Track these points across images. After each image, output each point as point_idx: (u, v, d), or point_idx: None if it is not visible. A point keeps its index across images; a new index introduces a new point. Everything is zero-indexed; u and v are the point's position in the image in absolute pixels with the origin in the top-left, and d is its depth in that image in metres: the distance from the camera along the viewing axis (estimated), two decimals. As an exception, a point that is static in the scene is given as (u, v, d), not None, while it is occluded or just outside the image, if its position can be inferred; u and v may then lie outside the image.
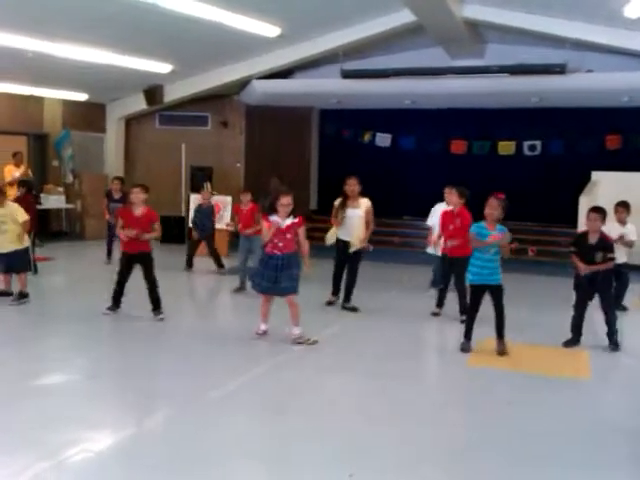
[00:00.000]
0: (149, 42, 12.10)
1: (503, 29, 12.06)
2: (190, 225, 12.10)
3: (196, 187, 15.17)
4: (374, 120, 16.21)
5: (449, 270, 8.20)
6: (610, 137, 14.68)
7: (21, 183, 10.86)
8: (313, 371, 6.07)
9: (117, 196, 11.85)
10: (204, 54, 13.32)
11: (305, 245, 6.82)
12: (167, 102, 15.76)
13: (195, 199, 13.86)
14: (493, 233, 6.44)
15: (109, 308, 7.83)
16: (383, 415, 4.98)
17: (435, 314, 8.31)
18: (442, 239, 8.45)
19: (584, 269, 6.77)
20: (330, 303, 8.71)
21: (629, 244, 8.36)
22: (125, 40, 11.81)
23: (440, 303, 8.35)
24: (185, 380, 5.64)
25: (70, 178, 15.76)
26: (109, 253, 11.85)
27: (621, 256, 8.17)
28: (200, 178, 15.69)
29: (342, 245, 8.46)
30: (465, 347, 6.65)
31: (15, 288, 8.35)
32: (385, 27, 12.24)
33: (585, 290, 6.91)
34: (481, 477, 4.04)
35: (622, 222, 8.61)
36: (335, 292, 8.73)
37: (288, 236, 6.68)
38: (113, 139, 16.88)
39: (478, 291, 6.59)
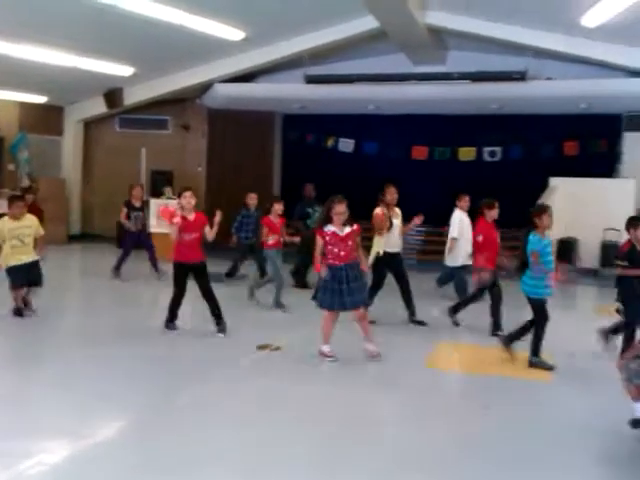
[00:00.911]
0: (110, 45, 11.91)
1: (465, 36, 12.21)
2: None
3: (156, 191, 15.02)
4: (337, 125, 16.23)
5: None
6: (568, 143, 14.98)
7: (28, 190, 10.45)
8: (279, 378, 6.01)
9: (138, 204, 11.13)
10: (166, 57, 13.17)
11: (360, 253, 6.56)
12: (127, 105, 15.54)
13: (155, 203, 13.70)
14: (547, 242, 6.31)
15: (168, 326, 7.43)
16: (354, 422, 4.95)
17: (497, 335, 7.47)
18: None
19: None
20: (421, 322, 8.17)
21: None
22: (86, 42, 11.60)
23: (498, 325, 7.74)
24: (149, 388, 5.52)
25: (26, 182, 15.37)
26: (119, 266, 10.87)
27: None
28: (160, 182, 15.53)
29: (389, 258, 7.96)
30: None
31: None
32: (349, 33, 12.28)
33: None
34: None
35: None
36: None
37: (350, 243, 6.39)
38: (71, 142, 16.56)
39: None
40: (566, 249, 12.88)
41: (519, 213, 14.89)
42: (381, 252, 7.86)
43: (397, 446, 4.53)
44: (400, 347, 7.10)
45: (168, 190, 14.60)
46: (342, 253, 6.33)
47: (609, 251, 12.86)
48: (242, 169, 16.13)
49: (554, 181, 13.56)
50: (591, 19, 10.42)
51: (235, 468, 4.10)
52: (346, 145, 16.19)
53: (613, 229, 12.68)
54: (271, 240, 8.72)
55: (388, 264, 7.96)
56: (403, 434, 4.76)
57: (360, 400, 5.46)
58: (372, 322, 7.16)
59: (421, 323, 8.12)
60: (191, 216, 7.24)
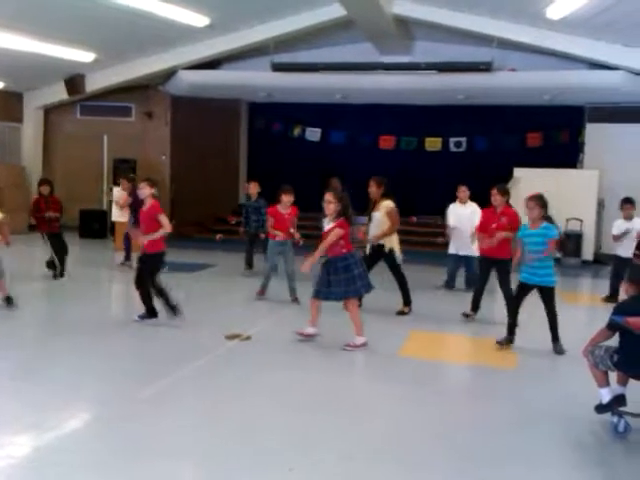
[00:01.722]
0: (72, 30, 11.61)
1: (431, 26, 12.23)
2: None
3: (118, 180, 14.74)
4: (304, 114, 16.17)
5: (488, 272, 7.79)
6: (531, 134, 15.17)
7: (46, 181, 10.22)
8: (250, 367, 5.95)
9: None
10: (129, 43, 12.92)
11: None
12: (89, 92, 15.20)
13: (117, 192, 13.44)
14: (534, 232, 6.41)
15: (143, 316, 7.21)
16: (319, 408, 4.93)
17: (467, 316, 7.91)
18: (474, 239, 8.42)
19: None
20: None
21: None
22: (46, 26, 11.29)
23: (475, 306, 7.92)
24: (115, 379, 5.42)
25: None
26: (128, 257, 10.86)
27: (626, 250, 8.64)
28: (123, 171, 15.25)
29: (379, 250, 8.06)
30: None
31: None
32: (316, 20, 12.22)
33: None
34: (423, 468, 4.05)
35: (629, 218, 9.05)
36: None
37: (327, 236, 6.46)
38: (31, 129, 16.15)
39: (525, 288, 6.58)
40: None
41: (483, 203, 15.15)
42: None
43: (371, 434, 4.51)
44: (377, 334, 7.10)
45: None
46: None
47: (572, 241, 13.10)
48: (208, 158, 15.94)
49: (518, 172, 13.72)
50: (555, 11, 10.53)
51: (205, 458, 4.04)
52: (313, 134, 16.13)
53: (576, 219, 12.90)
54: (278, 235, 8.44)
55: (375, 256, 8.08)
56: (376, 421, 4.75)
57: (333, 386, 5.44)
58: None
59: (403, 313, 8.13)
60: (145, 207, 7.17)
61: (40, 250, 10.39)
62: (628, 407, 4.61)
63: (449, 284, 9.95)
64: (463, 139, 15.59)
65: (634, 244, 8.63)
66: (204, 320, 7.41)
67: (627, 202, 9.16)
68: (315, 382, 5.57)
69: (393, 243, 8.01)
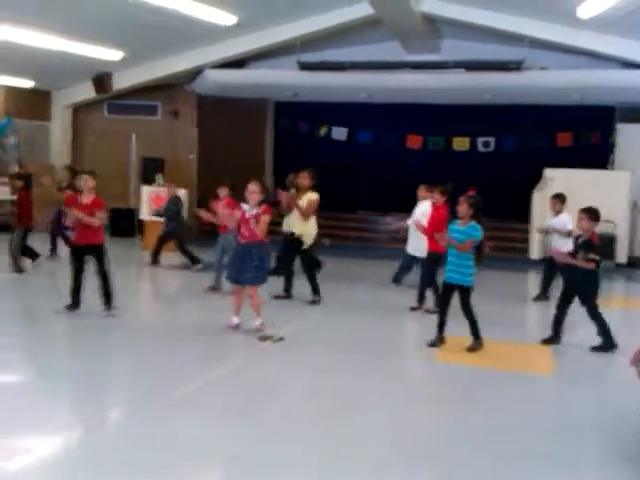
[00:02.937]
0: (100, 28, 11.67)
1: (459, 25, 12.08)
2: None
3: (147, 179, 14.81)
4: (330, 114, 16.09)
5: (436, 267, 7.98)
6: (561, 134, 14.93)
7: (18, 176, 10.45)
8: (278, 369, 5.90)
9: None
10: (156, 41, 12.94)
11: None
12: (116, 90, 15.28)
13: (146, 191, 13.52)
14: (461, 229, 6.39)
15: (68, 307, 7.33)
16: (352, 414, 4.85)
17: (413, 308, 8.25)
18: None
19: (556, 256, 6.82)
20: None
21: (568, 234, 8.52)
22: (75, 25, 11.35)
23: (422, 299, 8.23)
24: (143, 381, 5.40)
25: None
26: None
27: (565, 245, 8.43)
28: (151, 169, 15.31)
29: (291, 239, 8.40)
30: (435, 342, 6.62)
31: None
32: (343, 19, 12.15)
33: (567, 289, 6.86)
34: (460, 476, 3.95)
35: (557, 213, 9.07)
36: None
37: (252, 225, 6.69)
38: (59, 128, 16.28)
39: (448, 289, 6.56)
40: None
41: (512, 204, 14.99)
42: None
43: (404, 441, 4.42)
44: (396, 338, 7.02)
45: (159, 177, 14.44)
46: (246, 233, 6.66)
47: (603, 243, 12.84)
48: (234, 157, 15.94)
49: (549, 172, 13.49)
50: (586, 10, 10.32)
51: (233, 463, 3.99)
52: (339, 133, 16.05)
53: (607, 221, 12.62)
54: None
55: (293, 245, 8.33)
56: (409, 428, 4.65)
57: (365, 390, 5.34)
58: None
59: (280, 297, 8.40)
60: (86, 199, 7.26)
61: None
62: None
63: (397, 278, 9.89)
64: (491, 139, 15.40)
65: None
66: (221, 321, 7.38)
67: (555, 197, 9.16)
68: (348, 386, 5.46)
69: (305, 231, 8.26)
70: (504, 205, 15.18)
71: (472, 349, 6.47)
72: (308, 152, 16.10)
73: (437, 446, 4.35)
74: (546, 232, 9.30)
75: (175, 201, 11.00)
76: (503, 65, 12.48)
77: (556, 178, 13.02)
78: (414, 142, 15.70)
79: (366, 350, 6.55)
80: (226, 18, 11.63)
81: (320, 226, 8.65)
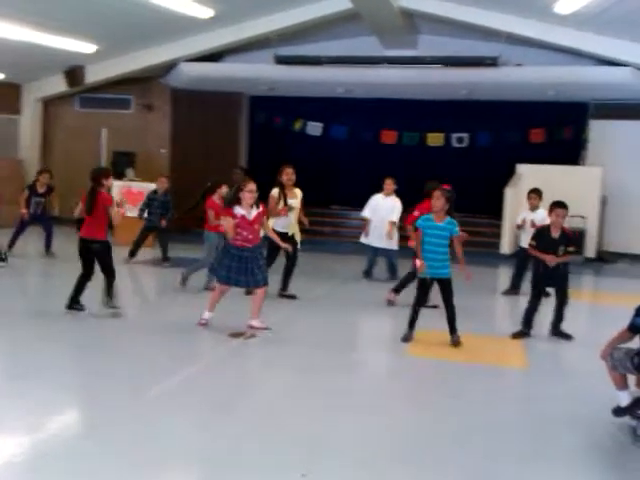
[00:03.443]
0: (72, 20, 11.44)
1: (437, 20, 12.10)
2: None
3: (118, 173, 14.58)
4: (306, 108, 16.00)
5: None
6: (534, 130, 15.05)
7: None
8: (256, 366, 5.86)
9: (42, 190, 11.04)
10: (130, 34, 12.74)
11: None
12: (89, 84, 15.02)
13: (117, 186, 13.30)
14: (440, 226, 6.43)
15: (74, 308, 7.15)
16: (332, 410, 4.83)
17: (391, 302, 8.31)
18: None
19: (552, 260, 6.78)
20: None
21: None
22: (46, 16, 11.09)
23: (400, 290, 8.30)
24: (119, 378, 5.31)
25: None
26: (12, 245, 10.84)
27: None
28: (122, 164, 15.09)
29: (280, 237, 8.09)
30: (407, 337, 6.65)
31: None
32: (320, 13, 12.08)
33: (545, 281, 6.97)
34: (440, 472, 3.96)
35: (534, 208, 9.23)
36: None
37: (256, 227, 6.58)
38: (29, 122, 15.96)
39: (426, 283, 6.58)
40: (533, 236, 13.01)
41: (484, 199, 15.11)
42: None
43: (385, 436, 4.42)
44: (369, 332, 7.01)
45: (130, 172, 14.27)
46: (250, 236, 6.54)
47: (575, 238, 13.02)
48: (208, 152, 15.79)
49: (521, 168, 13.64)
50: (564, 6, 10.41)
51: (212, 462, 3.94)
52: (314, 129, 15.99)
53: (579, 216, 12.81)
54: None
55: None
56: (389, 423, 4.65)
57: (344, 387, 5.33)
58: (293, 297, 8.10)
59: (291, 297, 8.32)
60: None
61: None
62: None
63: (367, 274, 10.03)
64: (465, 135, 15.46)
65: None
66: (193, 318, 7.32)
67: (533, 192, 9.30)
68: (325, 382, 5.45)
69: (296, 229, 8.26)
70: (477, 200, 15.29)
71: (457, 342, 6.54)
72: (283, 147, 16.04)
73: (413, 441, 4.36)
74: (520, 227, 9.35)
75: (167, 194, 10.85)
76: (479, 61, 12.56)
77: (527, 174, 13.18)
78: (389, 137, 15.70)
79: (340, 346, 6.56)
80: (202, 11, 11.50)
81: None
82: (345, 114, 15.88)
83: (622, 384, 4.60)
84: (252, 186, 6.50)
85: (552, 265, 6.79)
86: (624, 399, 4.57)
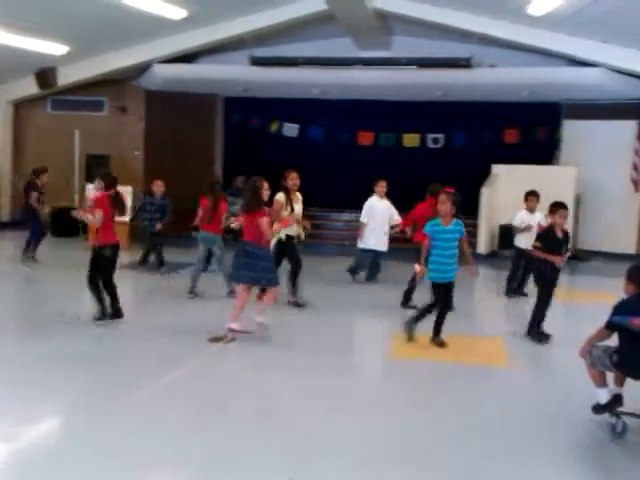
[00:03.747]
0: (44, 21, 11.27)
1: (411, 21, 12.13)
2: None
3: (91, 176, 14.39)
4: (282, 109, 15.96)
5: None
6: (508, 131, 15.18)
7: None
8: (237, 371, 5.80)
9: (44, 190, 11.15)
10: (103, 35, 12.57)
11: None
12: (61, 86, 14.80)
13: (91, 189, 13.13)
14: (449, 229, 6.39)
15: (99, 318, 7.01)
16: (327, 411, 4.80)
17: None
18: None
19: (560, 261, 6.80)
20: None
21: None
22: (17, 18, 10.92)
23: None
24: (96, 386, 5.22)
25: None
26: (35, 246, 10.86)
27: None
28: (95, 167, 14.90)
29: (287, 241, 8.04)
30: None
31: None
32: (295, 14, 12.04)
33: (554, 282, 6.95)
34: (429, 472, 3.95)
35: (532, 210, 9.22)
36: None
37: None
38: (0, 125, 15.67)
39: (441, 288, 6.51)
40: (507, 235, 13.09)
41: (462, 199, 15.14)
42: (283, 237, 7.94)
43: (373, 437, 4.39)
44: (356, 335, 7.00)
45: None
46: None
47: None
48: (183, 154, 15.66)
49: (496, 168, 13.74)
50: (537, 8, 10.51)
51: (195, 470, 3.89)
52: (291, 130, 15.96)
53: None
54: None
55: (284, 245, 8.04)
56: (376, 425, 4.63)
57: (327, 389, 5.29)
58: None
59: (299, 305, 8.19)
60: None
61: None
62: (625, 407, 4.58)
63: (354, 272, 9.95)
64: (441, 135, 15.56)
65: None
66: (184, 322, 7.23)
67: (531, 194, 9.32)
68: (308, 384, 5.42)
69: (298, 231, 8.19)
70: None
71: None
72: (259, 148, 15.98)
73: (402, 441, 4.36)
74: (525, 230, 9.13)
75: (165, 198, 10.68)
76: (454, 62, 12.62)
77: (503, 174, 13.27)
78: (365, 139, 15.74)
79: (330, 348, 6.52)
80: (175, 12, 11.40)
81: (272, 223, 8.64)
82: (321, 115, 15.88)
83: (601, 382, 4.63)
84: (267, 185, 6.64)
85: (560, 266, 6.82)
86: (603, 396, 4.61)
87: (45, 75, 14.45)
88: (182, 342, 6.48)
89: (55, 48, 12.83)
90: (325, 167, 16.16)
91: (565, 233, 6.96)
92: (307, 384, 5.43)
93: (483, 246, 13.10)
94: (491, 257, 13.01)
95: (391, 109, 15.32)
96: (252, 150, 16.04)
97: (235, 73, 13.94)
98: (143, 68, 14.36)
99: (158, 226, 10.40)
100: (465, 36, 12.23)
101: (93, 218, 6.96)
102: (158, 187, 10.68)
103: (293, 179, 8.02)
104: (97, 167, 14.58)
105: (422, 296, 8.36)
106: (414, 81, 13.43)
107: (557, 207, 6.88)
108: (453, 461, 4.10)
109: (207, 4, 11.35)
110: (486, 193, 13.29)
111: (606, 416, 4.62)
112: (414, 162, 15.46)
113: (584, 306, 8.79)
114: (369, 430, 4.52)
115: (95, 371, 5.57)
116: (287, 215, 7.82)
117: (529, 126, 15.03)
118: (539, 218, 8.97)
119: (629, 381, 4.63)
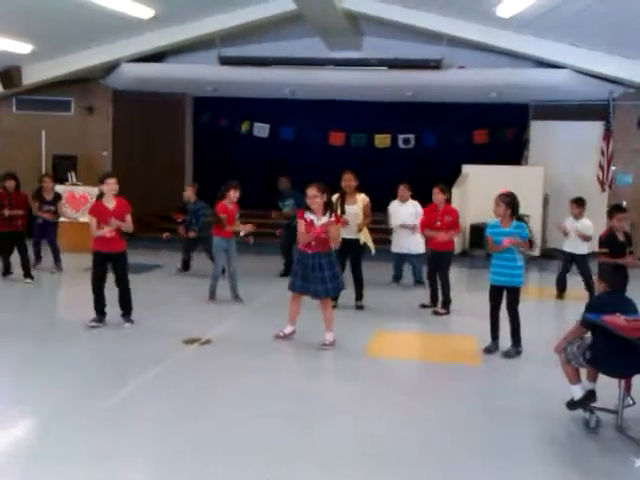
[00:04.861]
0: (6, 19, 11.00)
1: (381, 22, 12.16)
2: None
3: (59, 177, 14.16)
4: (252, 109, 15.87)
5: (435, 264, 8.27)
6: (477, 132, 15.32)
7: (11, 176, 9.93)
8: (213, 373, 5.73)
9: (49, 197, 10.79)
10: (69, 34, 12.33)
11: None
12: (26, 85, 14.50)
13: (61, 190, 12.93)
14: (507, 231, 6.22)
15: (95, 320, 6.95)
16: (290, 414, 4.77)
17: (424, 306, 8.39)
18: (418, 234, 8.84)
19: (633, 262, 6.80)
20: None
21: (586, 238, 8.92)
22: (-21, 14, 10.67)
23: (434, 297, 8.35)
24: (68, 388, 5.11)
25: None
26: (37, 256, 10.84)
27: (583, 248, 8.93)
28: (63, 167, 14.68)
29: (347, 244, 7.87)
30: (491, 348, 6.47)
31: None
32: (265, 14, 11.97)
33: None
34: (404, 471, 3.94)
35: (578, 217, 9.23)
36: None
37: (322, 236, 6.37)
38: (-38, 125, 15.33)
39: (497, 291, 6.39)
40: (478, 234, 13.20)
41: (432, 199, 15.20)
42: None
43: (347, 439, 4.38)
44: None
45: (72, 175, 13.90)
46: (312, 243, 6.36)
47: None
48: (151, 153, 15.50)
49: (466, 168, 13.84)
50: (506, 10, 10.60)
51: (170, 473, 3.82)
52: (261, 130, 15.87)
53: (524, 215, 13.03)
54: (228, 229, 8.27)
55: (346, 250, 7.92)
56: (351, 425, 4.61)
57: (301, 390, 5.29)
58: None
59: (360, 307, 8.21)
60: (111, 204, 6.98)
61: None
62: (598, 403, 4.64)
63: (396, 278, 10.20)
64: (412, 136, 15.63)
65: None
66: (159, 324, 7.14)
67: (576, 202, 9.36)
68: (282, 386, 5.41)
69: (367, 237, 8.22)
70: (424, 200, 15.38)
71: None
72: (229, 148, 15.88)
73: (377, 441, 4.36)
74: (565, 233, 9.36)
75: (196, 202, 10.54)
76: (423, 63, 12.67)
77: (473, 174, 13.37)
78: (336, 139, 15.74)
79: (299, 349, 6.48)
80: (143, 11, 11.24)
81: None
82: (292, 115, 15.83)
83: (575, 378, 4.68)
84: (310, 191, 6.34)
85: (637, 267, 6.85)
86: (577, 392, 4.66)
87: (9, 74, 14.14)
88: (154, 345, 6.38)
89: (19, 47, 12.55)
90: (296, 167, 16.10)
91: (626, 234, 7.01)
92: (281, 385, 5.40)
93: (457, 246, 13.15)
94: (462, 256, 13.09)
95: (362, 109, 15.34)
96: (222, 150, 15.94)
97: (204, 73, 13.83)
98: (111, 67, 14.17)
99: (191, 233, 10.30)
100: (435, 38, 12.29)
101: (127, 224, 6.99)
102: (188, 192, 10.64)
103: (346, 180, 7.87)
104: (65, 168, 14.47)
105: (422, 296, 8.52)
106: (385, 82, 13.46)
107: (616, 211, 6.91)
108: (425, 460, 4.10)
109: (175, 3, 11.23)
110: (457, 193, 13.37)
111: (580, 412, 4.68)
112: (385, 162, 15.51)
113: (555, 303, 8.89)
114: (341, 432, 4.51)
115: (65, 373, 5.44)
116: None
117: (498, 126, 15.19)
118: (585, 225, 9.03)
119: (602, 377, 4.69)
